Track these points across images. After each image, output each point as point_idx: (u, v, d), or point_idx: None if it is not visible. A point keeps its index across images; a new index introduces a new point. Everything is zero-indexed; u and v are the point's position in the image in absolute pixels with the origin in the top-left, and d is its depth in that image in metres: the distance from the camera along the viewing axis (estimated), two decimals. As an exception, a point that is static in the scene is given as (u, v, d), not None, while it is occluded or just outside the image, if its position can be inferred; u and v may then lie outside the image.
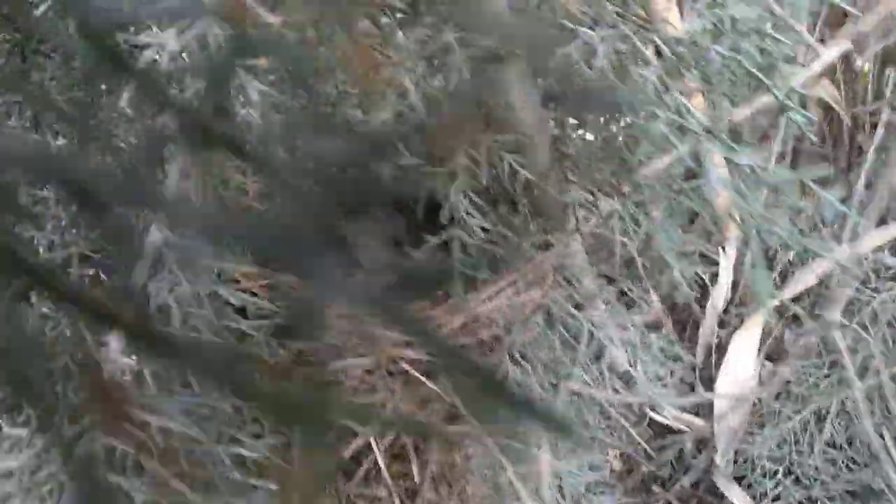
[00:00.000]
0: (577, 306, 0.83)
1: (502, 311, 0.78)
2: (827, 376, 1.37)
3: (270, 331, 0.70)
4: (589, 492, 0.89)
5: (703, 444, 1.43)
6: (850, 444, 1.34)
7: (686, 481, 1.45)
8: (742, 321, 1.52)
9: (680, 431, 1.44)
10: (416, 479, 0.81)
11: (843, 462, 1.32)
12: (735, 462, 1.33)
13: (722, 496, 1.34)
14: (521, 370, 0.79)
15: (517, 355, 0.78)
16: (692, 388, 1.58)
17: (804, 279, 1.46)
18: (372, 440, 0.80)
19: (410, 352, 0.78)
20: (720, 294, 1.61)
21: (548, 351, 0.81)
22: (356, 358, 0.80)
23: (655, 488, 1.41)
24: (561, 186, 0.80)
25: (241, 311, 0.73)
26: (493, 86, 0.62)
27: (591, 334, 0.83)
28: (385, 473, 0.80)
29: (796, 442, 1.33)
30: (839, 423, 1.34)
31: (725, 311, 1.57)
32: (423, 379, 0.80)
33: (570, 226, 0.82)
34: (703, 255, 1.46)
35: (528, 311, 0.79)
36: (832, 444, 1.34)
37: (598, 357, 0.94)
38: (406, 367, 0.80)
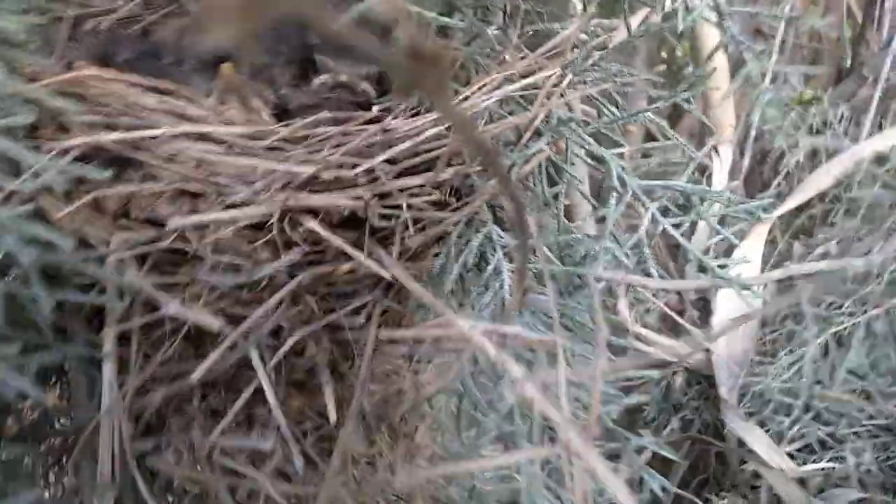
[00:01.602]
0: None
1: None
2: (848, 295, 1.14)
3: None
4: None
5: (698, 377, 1.19)
6: (874, 369, 1.10)
7: (676, 423, 1.21)
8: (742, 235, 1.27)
9: (667, 363, 1.18)
10: (331, 418, 0.52)
11: (869, 392, 1.09)
12: (742, 398, 1.09)
13: (724, 438, 1.10)
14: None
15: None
16: (681, 312, 1.33)
17: (816, 182, 1.22)
18: (253, 353, 0.51)
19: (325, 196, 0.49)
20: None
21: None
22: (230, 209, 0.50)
23: (642, 432, 1.16)
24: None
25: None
26: None
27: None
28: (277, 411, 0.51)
29: (815, 372, 1.09)
30: (865, 348, 1.11)
31: (721, 222, 1.32)
32: (338, 241, 0.51)
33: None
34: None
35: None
36: (856, 373, 1.10)
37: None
38: (312, 223, 0.50)
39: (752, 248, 1.26)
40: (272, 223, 0.50)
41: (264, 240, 0.51)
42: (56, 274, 0.49)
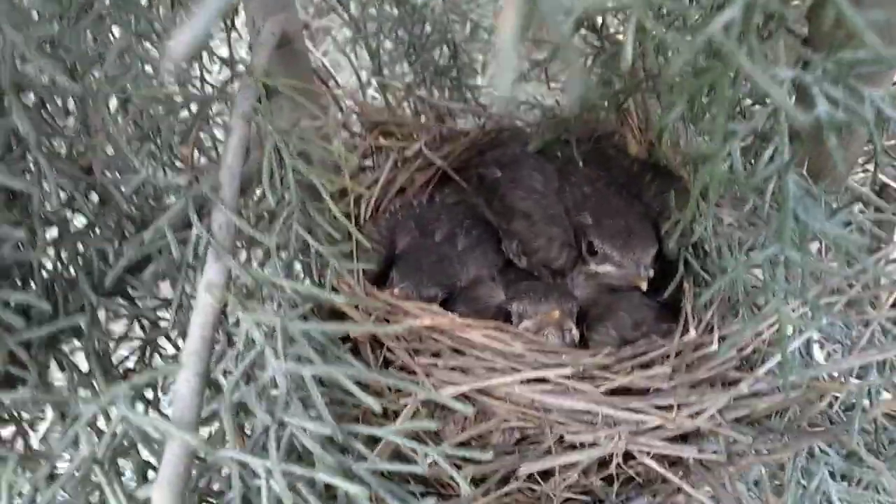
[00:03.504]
0: None
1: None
2: None
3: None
4: None
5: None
6: None
7: None
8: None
9: None
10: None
11: None
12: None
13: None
14: None
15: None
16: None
17: None
18: None
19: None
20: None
21: None
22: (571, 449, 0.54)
23: None
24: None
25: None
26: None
27: None
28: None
29: None
30: None
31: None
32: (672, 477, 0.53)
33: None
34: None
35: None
36: None
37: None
38: (649, 461, 0.53)
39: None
40: (611, 461, 0.53)
41: (603, 475, 0.54)
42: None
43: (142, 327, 0.61)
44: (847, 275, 0.46)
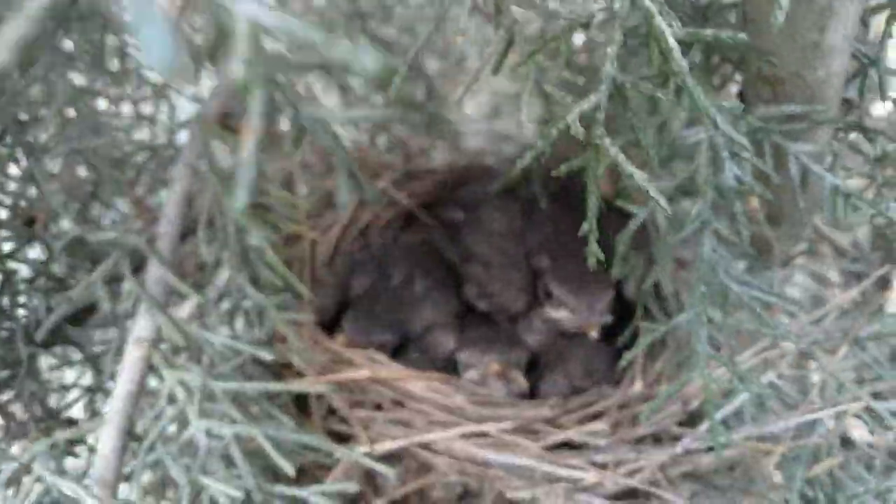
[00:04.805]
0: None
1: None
2: None
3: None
4: None
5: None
6: None
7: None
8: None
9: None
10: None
11: None
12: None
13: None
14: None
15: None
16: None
17: None
18: None
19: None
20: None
21: None
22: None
23: None
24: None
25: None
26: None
27: None
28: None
29: None
30: None
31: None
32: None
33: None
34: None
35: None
36: None
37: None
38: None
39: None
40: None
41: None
42: None
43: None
44: (777, 334, 0.44)
